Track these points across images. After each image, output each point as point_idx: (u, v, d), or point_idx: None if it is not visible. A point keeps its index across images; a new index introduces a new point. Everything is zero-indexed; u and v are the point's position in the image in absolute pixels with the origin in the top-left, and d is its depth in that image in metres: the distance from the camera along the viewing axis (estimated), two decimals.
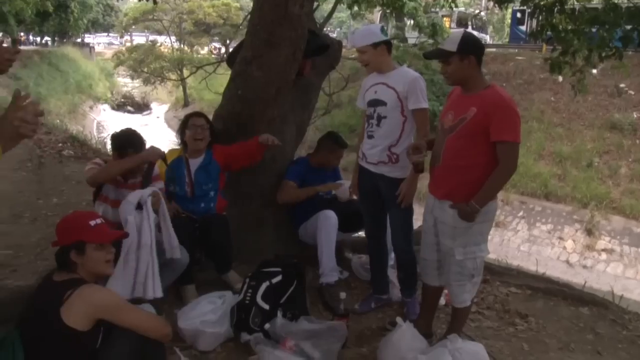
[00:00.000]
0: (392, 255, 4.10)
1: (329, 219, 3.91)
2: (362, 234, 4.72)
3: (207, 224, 3.76)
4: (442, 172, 3.10)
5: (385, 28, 3.76)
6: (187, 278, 3.63)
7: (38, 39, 39.97)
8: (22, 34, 35.97)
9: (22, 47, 32.74)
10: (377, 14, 24.13)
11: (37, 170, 7.20)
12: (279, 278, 3.33)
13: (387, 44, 3.57)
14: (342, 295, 3.40)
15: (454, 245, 3.09)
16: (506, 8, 10.19)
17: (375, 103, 3.55)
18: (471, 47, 2.97)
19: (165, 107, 36.93)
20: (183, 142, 3.94)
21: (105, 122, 28.25)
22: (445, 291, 3.67)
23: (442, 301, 3.83)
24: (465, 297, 3.24)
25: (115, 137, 3.52)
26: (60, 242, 2.42)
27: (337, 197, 4.15)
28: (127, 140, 3.46)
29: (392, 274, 4.03)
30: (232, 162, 3.92)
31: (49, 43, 39.81)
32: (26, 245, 4.50)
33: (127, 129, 3.67)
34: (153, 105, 37.99)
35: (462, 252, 3.09)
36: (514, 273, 4.93)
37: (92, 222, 2.44)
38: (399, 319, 3.18)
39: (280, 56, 3.89)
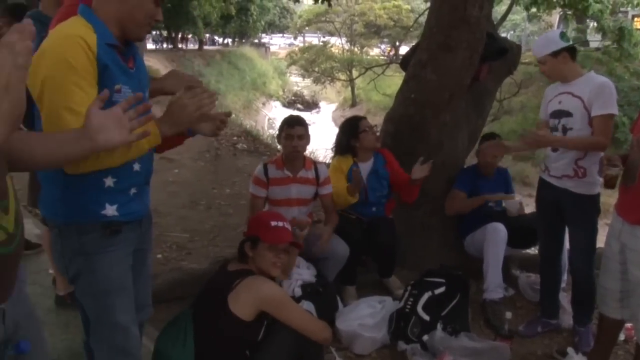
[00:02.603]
0: (565, 277, 3.80)
1: (498, 232, 3.70)
2: (530, 251, 4.45)
3: (375, 226, 3.75)
4: (637, 193, 2.77)
5: (566, 31, 3.44)
6: (349, 278, 3.66)
7: (221, 39, 43.12)
8: (207, 35, 39.03)
9: (206, 47, 35.72)
10: (555, 15, 22.68)
11: (214, 161, 7.74)
12: (442, 289, 3.22)
13: (570, 51, 3.27)
14: (508, 315, 3.20)
15: None
16: None
17: (559, 114, 3.27)
18: None
19: (333, 106, 37.95)
20: (350, 147, 3.89)
21: (276, 119, 29.72)
22: (627, 325, 3.30)
23: (622, 336, 3.44)
24: None
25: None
26: (246, 233, 2.62)
27: (507, 210, 3.92)
28: (290, 118, 3.61)
29: (564, 298, 3.72)
30: (393, 182, 3.89)
31: (230, 43, 42.81)
32: (201, 230, 4.84)
33: None
34: (322, 104, 39.19)
35: None
36: None
37: (274, 223, 2.55)
38: (570, 350, 2.93)
39: (457, 60, 3.79)
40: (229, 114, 2.27)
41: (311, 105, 38.34)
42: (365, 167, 3.84)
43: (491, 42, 4.03)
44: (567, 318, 3.62)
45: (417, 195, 3.85)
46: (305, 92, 39.58)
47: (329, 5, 9.28)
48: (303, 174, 3.58)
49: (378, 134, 3.93)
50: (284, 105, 36.92)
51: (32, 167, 1.75)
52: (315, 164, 3.68)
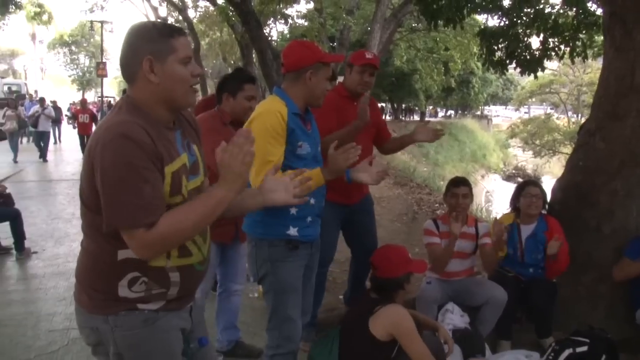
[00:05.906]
0: None
1: None
2: None
3: (532, 288, 3.87)
4: None
5: None
6: (504, 333, 3.82)
7: (443, 111, 44.17)
8: (430, 107, 40.32)
9: (427, 119, 36.84)
10: None
11: (410, 223, 8.21)
12: (584, 348, 3.23)
13: None
14: None
15: None
16: None
17: None
18: None
19: None
20: (516, 209, 4.14)
21: (494, 192, 29.12)
22: None
23: None
24: None
25: None
26: (388, 274, 2.90)
27: None
28: (455, 179, 4.08)
29: None
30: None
31: (452, 115, 43.57)
32: None
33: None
34: (545, 178, 37.28)
35: None
36: None
37: (410, 255, 2.99)
38: None
39: (626, 128, 3.85)
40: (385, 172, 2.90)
41: (533, 179, 36.76)
42: (526, 230, 4.01)
43: None
44: None
45: (557, 269, 3.90)
46: (528, 166, 38.21)
47: (535, 77, 9.40)
48: (465, 229, 3.90)
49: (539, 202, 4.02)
50: (504, 179, 36.03)
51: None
52: (476, 221, 3.98)
